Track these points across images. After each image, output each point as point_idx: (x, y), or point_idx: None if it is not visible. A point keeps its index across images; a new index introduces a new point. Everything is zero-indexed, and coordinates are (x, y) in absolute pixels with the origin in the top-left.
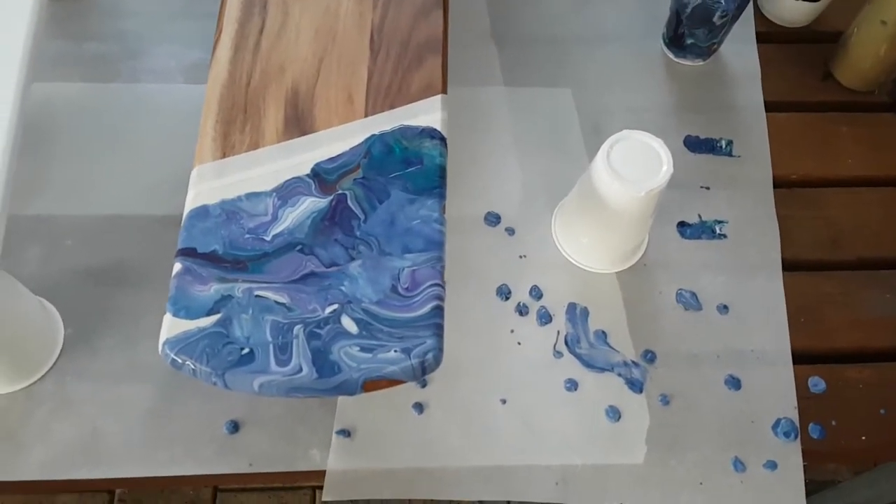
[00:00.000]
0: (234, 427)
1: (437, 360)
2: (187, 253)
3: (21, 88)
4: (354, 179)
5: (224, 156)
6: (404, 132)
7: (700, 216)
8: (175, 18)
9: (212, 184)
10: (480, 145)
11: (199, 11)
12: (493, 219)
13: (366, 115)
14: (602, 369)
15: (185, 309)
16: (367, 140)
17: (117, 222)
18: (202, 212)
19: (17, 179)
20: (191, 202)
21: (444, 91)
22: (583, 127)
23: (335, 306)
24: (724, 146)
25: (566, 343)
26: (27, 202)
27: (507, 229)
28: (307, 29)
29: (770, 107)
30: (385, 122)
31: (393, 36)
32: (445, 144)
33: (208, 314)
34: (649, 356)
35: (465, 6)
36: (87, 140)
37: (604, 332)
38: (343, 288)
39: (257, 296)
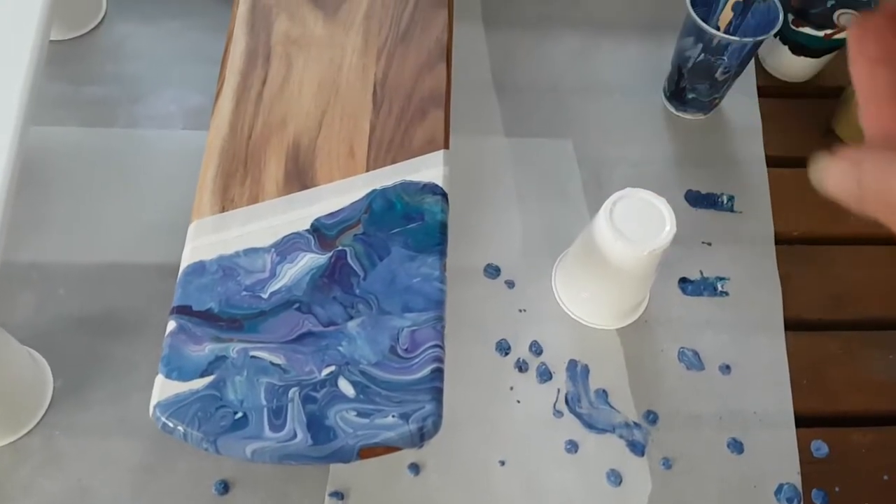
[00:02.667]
0: (224, 487)
1: (437, 426)
2: (182, 311)
3: (19, 133)
4: (355, 235)
5: (223, 210)
6: (406, 187)
7: (702, 272)
8: (177, 62)
9: (209, 239)
10: (481, 196)
11: (203, 55)
12: (492, 271)
13: (367, 170)
14: (603, 430)
15: (177, 370)
16: (368, 195)
17: (112, 270)
18: (198, 268)
19: (11, 225)
20: (187, 258)
21: (447, 146)
22: (584, 179)
23: (332, 368)
24: (725, 201)
25: (567, 402)
26: (21, 248)
27: (506, 282)
28: (310, 82)
29: (772, 161)
30: (386, 176)
31: (396, 89)
32: (447, 200)
33: (202, 375)
34: (651, 417)
35: (466, 56)
36: (84, 186)
37: (605, 391)
38: (341, 348)
39: (252, 356)
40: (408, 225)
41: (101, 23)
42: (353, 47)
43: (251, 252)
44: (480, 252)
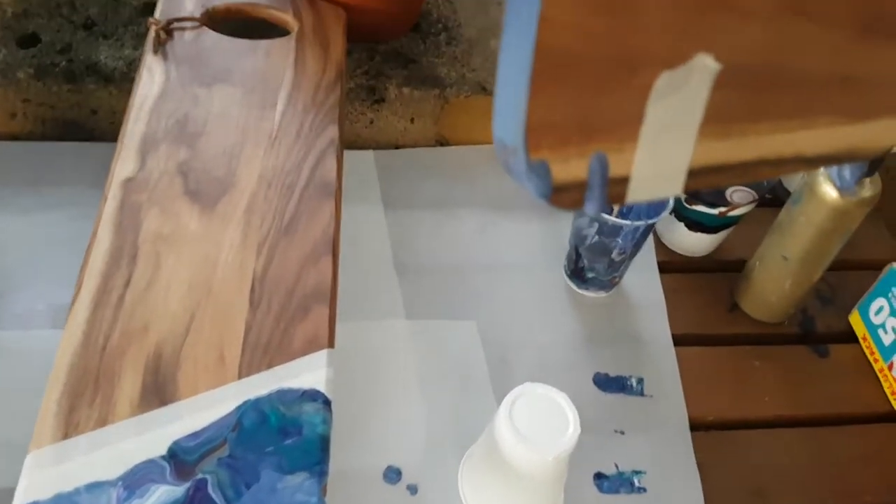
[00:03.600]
0: None
1: None
2: None
3: None
4: (219, 459)
5: (66, 436)
6: (282, 396)
7: (617, 466)
8: (51, 255)
9: (47, 472)
10: (379, 386)
11: (80, 249)
12: (392, 475)
13: (239, 377)
14: None
15: None
16: (238, 408)
17: None
18: None
19: None
20: (20, 497)
21: (331, 344)
22: (490, 363)
23: None
24: (635, 385)
25: None
26: None
27: (408, 487)
28: (180, 282)
29: (678, 340)
30: (261, 384)
31: (277, 285)
32: (330, 408)
33: None
34: None
35: (366, 238)
36: None
37: None
38: None
39: None
40: (283, 441)
41: None
42: (231, 242)
43: (94, 487)
44: (379, 452)
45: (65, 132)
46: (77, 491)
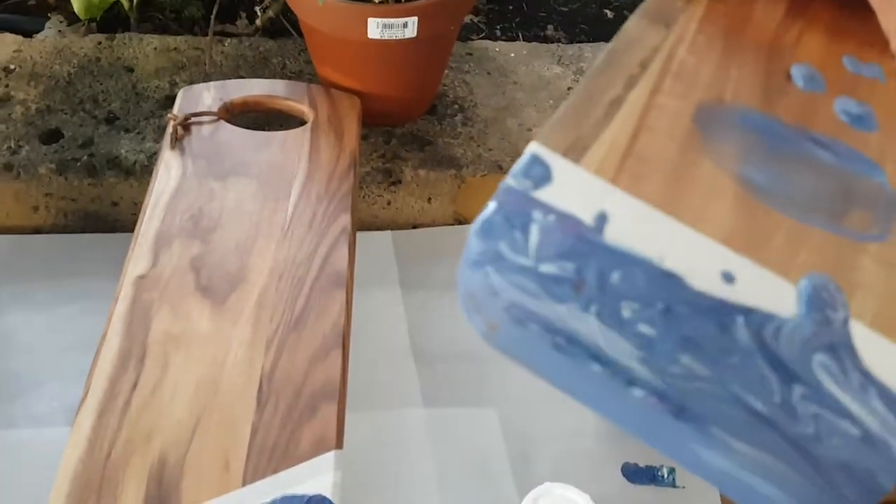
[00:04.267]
0: None
1: None
2: None
3: None
4: None
5: None
6: None
7: None
8: (68, 352)
9: None
10: (394, 480)
11: (95, 342)
12: None
13: (243, 484)
14: None
15: None
16: None
17: None
18: None
19: None
20: None
21: (340, 445)
22: (510, 455)
23: None
24: (665, 475)
25: None
26: None
27: None
28: (187, 383)
29: None
30: (265, 491)
31: (285, 384)
32: None
33: None
34: None
35: (383, 323)
36: None
37: None
38: None
39: None
40: None
41: None
42: (240, 340)
43: None
44: None
45: (87, 224)
46: None
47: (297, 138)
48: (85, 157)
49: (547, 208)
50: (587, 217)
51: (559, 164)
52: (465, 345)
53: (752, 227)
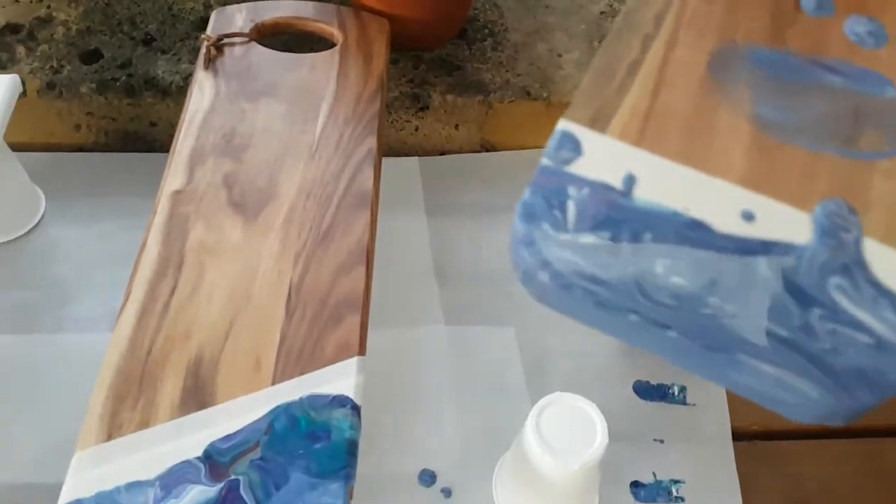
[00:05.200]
0: None
1: None
2: None
3: None
4: (251, 461)
5: (109, 438)
6: (313, 402)
7: (655, 475)
8: (108, 264)
9: (91, 473)
10: (416, 391)
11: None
12: (427, 478)
13: (273, 383)
14: None
15: None
16: (270, 412)
17: (20, 492)
18: None
19: None
20: (65, 496)
21: (362, 352)
22: (526, 369)
23: None
24: (676, 393)
25: None
26: None
27: (443, 490)
28: (221, 290)
29: None
30: (293, 390)
31: (311, 294)
32: (358, 414)
33: None
34: None
35: (406, 241)
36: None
37: None
38: None
39: None
40: (313, 445)
41: (37, 225)
42: (270, 252)
43: (133, 487)
44: (414, 455)
45: (126, 143)
46: (117, 490)
47: (325, 60)
48: (124, 78)
49: (581, 181)
50: (616, 182)
51: (587, 136)
52: (486, 267)
53: (767, 165)
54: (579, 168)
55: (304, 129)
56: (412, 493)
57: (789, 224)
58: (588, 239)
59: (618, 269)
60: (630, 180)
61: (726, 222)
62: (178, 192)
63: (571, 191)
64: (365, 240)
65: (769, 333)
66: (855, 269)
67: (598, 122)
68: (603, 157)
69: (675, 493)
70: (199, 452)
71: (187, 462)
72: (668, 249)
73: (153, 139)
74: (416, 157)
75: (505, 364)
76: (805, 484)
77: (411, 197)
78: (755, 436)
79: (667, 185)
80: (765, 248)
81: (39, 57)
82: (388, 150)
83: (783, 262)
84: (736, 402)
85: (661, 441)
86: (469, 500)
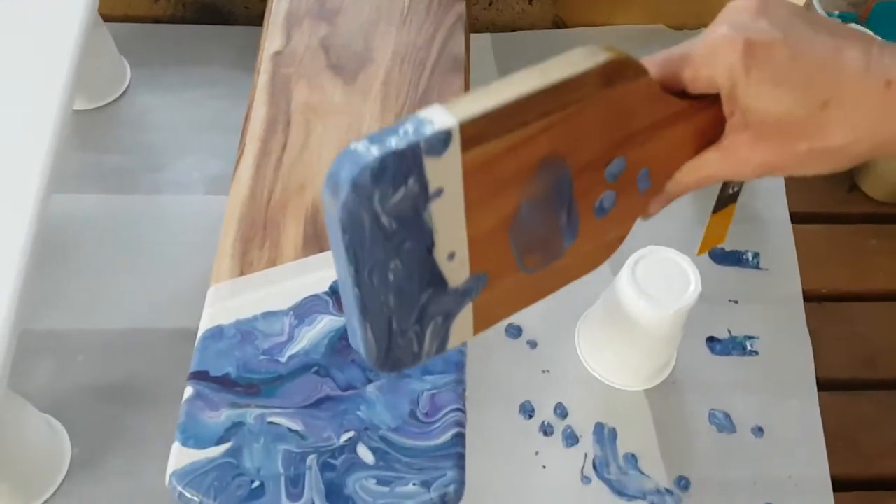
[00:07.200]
0: None
1: (459, 494)
2: (199, 376)
3: (40, 200)
4: None
5: (241, 273)
6: None
7: (730, 331)
8: (198, 130)
9: (228, 303)
10: None
11: (223, 124)
12: (514, 331)
13: None
14: (633, 497)
15: (194, 437)
16: None
17: (131, 337)
18: (216, 332)
19: (30, 292)
20: (206, 322)
21: None
22: None
23: (351, 434)
24: (750, 258)
25: (594, 467)
26: (40, 315)
27: (528, 342)
28: (329, 146)
29: (796, 218)
30: None
31: None
32: None
33: (218, 443)
34: (683, 483)
35: None
36: (105, 252)
37: (634, 456)
38: (360, 413)
39: (270, 422)
40: None
41: (124, 93)
42: (371, 114)
43: (269, 315)
44: None
45: (202, 16)
46: (255, 318)
47: None
48: None
49: None
50: None
51: None
52: None
53: None
54: None
55: None
56: (501, 344)
57: None
58: None
59: None
60: None
61: None
62: (277, 54)
63: None
64: None
65: None
66: None
67: None
68: None
69: (749, 348)
70: (326, 288)
71: (316, 296)
72: None
73: (228, 12)
74: (488, 34)
75: None
76: (872, 342)
77: (484, 74)
78: (825, 298)
79: None
80: None
81: None
82: None
83: None
84: (807, 267)
85: (736, 301)
86: (552, 352)
